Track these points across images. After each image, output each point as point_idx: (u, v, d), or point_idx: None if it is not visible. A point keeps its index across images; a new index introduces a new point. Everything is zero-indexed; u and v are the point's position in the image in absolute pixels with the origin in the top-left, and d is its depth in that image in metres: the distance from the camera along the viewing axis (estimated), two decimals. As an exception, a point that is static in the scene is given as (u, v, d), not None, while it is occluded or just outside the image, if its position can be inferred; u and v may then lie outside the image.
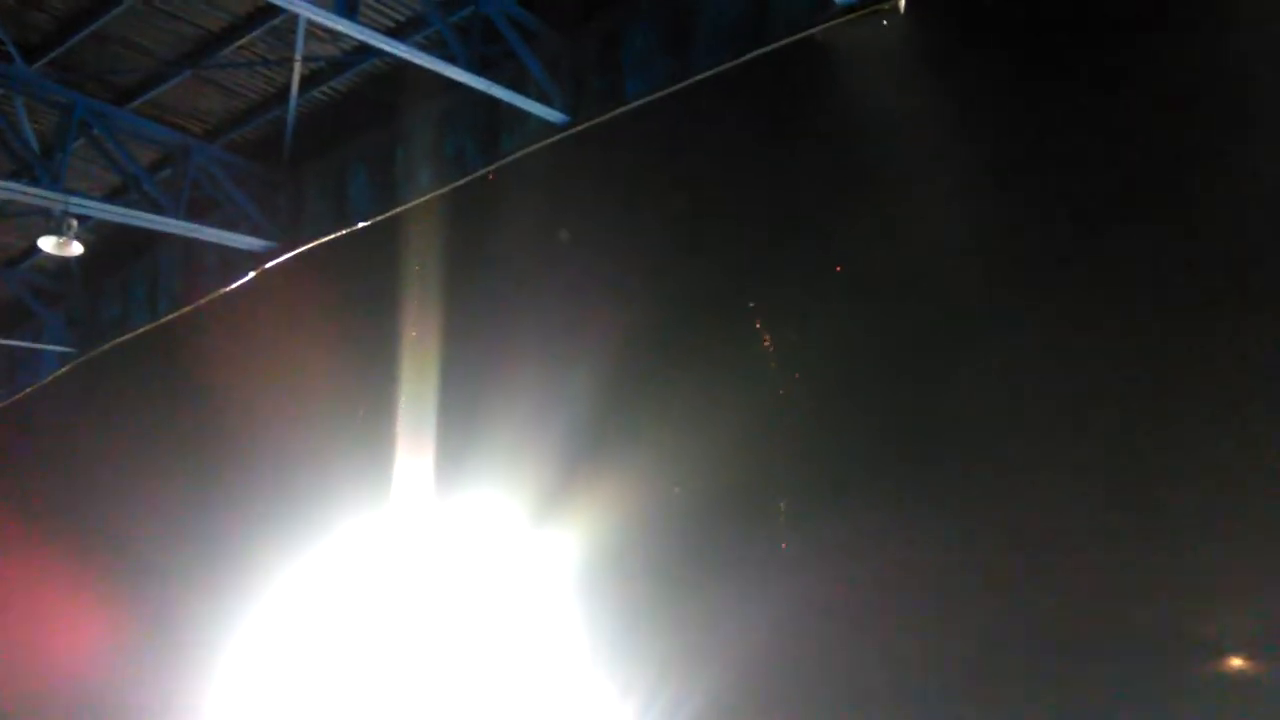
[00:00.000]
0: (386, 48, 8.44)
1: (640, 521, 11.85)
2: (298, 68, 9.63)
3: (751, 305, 11.21)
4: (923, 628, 9.92)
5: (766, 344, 11.42)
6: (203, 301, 11.65)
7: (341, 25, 8.12)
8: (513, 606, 12.10)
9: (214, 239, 10.70)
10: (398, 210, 10.18)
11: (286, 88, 9.90)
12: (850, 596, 10.05)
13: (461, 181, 9.83)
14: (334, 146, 10.66)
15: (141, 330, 12.24)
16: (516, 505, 12.34)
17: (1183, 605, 9.01)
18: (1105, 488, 9.49)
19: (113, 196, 10.77)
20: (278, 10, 8.70)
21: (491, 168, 9.60)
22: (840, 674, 10.03)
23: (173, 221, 10.28)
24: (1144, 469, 9.38)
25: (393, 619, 12.34)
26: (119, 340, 12.48)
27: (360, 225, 10.45)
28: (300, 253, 10.80)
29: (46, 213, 9.89)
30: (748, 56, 8.21)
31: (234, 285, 11.36)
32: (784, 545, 10.87)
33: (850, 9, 7.72)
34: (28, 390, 13.50)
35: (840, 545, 10.12)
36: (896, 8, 7.83)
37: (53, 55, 9.28)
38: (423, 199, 9.98)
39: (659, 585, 11.39)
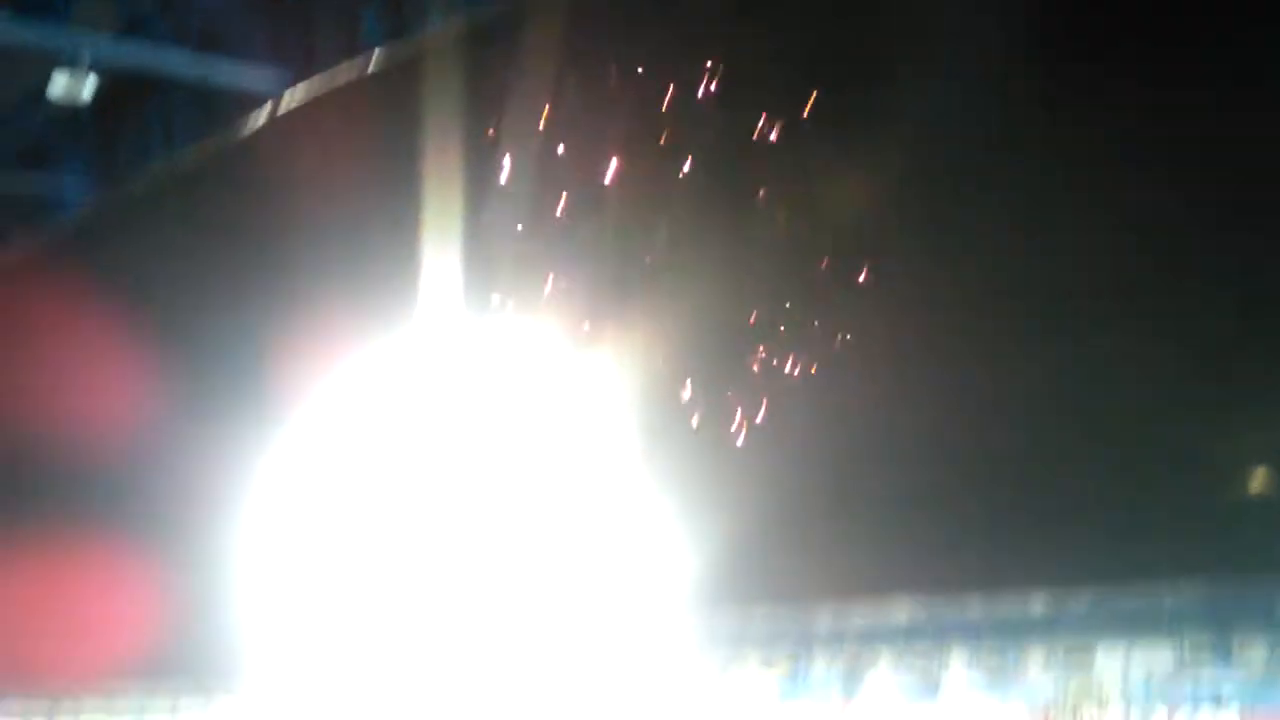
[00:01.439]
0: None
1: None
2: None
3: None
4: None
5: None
6: (219, 139, 11.60)
7: None
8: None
9: (225, 75, 10.58)
10: (411, 44, 10.04)
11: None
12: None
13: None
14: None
15: (159, 171, 12.21)
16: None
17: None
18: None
19: (123, 35, 10.57)
20: None
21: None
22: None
23: (183, 58, 10.16)
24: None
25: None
26: (137, 182, 12.46)
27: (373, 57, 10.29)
28: (314, 91, 10.68)
29: (56, 54, 9.76)
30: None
31: (249, 124, 11.28)
32: None
33: None
34: (47, 232, 13.53)
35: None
36: None
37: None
38: (437, 33, 9.82)
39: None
